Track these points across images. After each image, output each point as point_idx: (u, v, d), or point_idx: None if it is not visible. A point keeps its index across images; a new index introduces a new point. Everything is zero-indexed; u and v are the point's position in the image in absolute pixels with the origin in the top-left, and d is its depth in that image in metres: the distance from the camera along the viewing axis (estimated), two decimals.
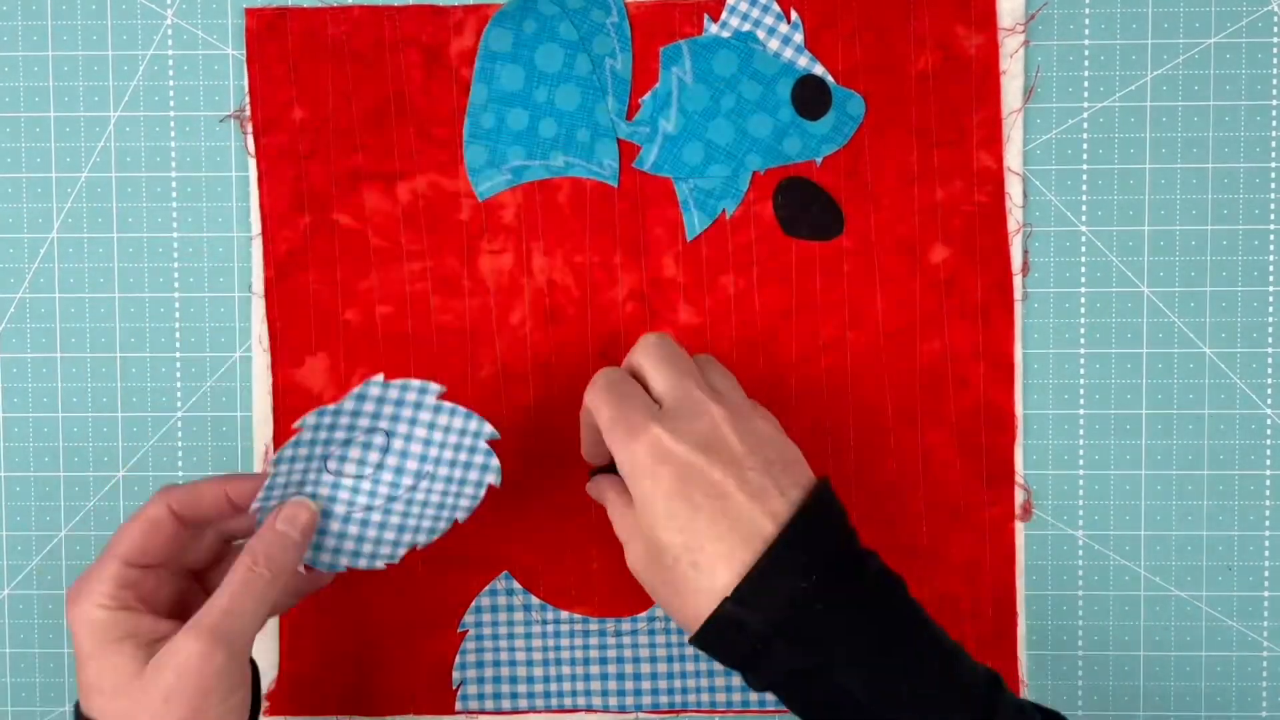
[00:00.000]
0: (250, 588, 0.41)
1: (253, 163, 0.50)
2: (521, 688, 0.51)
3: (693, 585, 0.39)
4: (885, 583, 0.40)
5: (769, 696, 0.50)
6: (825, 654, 0.38)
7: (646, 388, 0.43)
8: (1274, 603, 0.51)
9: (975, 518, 0.51)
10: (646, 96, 0.50)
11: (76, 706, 0.41)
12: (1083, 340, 0.51)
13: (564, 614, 0.51)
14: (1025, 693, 0.51)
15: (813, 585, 0.38)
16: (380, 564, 0.45)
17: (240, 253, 0.51)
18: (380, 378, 0.43)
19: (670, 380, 0.42)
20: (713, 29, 0.50)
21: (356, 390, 0.43)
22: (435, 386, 0.44)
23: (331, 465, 0.44)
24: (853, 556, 0.40)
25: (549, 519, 0.51)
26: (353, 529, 0.45)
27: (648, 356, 0.43)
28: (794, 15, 0.49)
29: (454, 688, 0.51)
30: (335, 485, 0.44)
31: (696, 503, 0.39)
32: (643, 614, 0.51)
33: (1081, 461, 0.51)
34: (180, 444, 0.51)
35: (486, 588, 0.51)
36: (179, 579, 0.44)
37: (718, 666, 0.51)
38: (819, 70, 0.50)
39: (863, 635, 0.38)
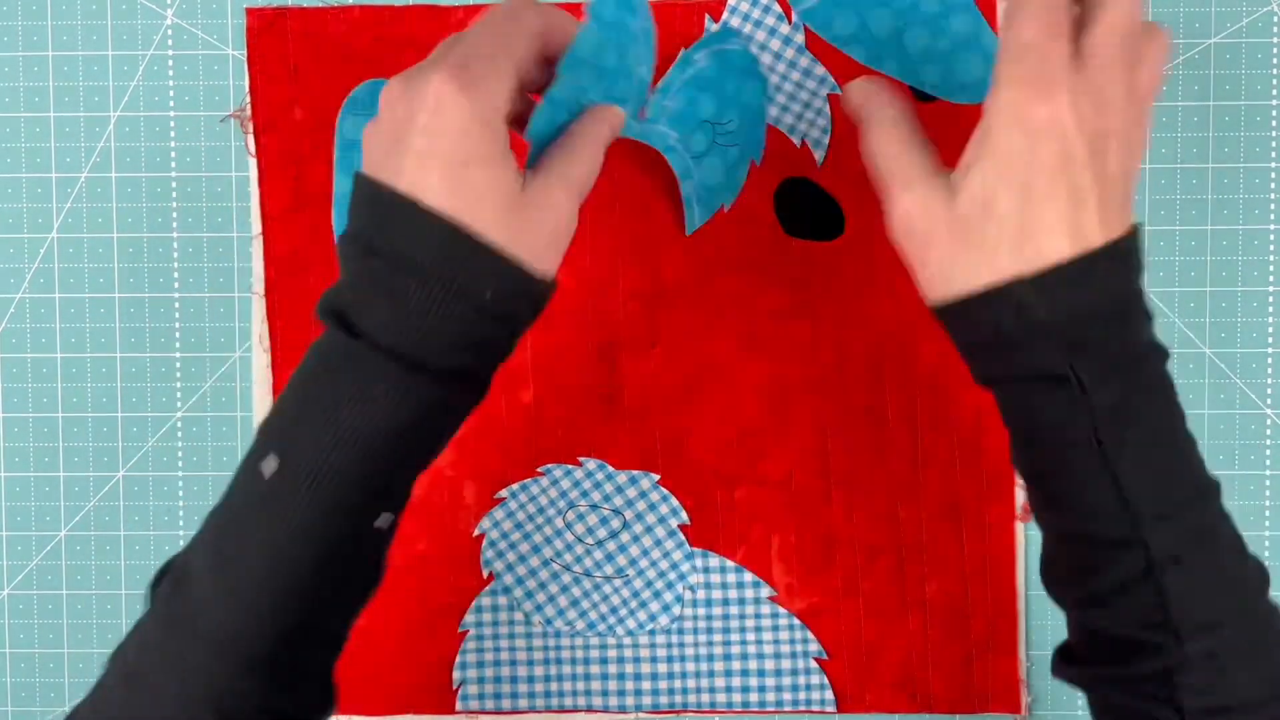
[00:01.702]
0: (597, 161, 0.38)
1: (253, 163, 0.50)
2: (522, 688, 0.51)
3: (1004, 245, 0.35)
4: (1163, 346, 0.37)
5: (769, 697, 0.50)
6: (1117, 374, 0.36)
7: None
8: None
9: (975, 518, 0.51)
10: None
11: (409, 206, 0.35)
12: None
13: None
14: (1025, 693, 0.51)
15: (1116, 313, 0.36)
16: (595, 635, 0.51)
17: (240, 253, 0.51)
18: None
19: (1125, 28, 0.36)
20: (713, 29, 0.50)
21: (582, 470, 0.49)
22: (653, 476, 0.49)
23: (570, 516, 0.49)
24: (1148, 310, 0.37)
25: None
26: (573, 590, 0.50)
27: None
28: (795, 15, 0.49)
29: (454, 688, 0.51)
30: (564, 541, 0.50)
31: (1056, 192, 0.35)
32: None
33: None
34: (180, 444, 0.51)
35: (487, 588, 0.51)
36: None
37: (718, 666, 0.51)
38: (821, 70, 0.49)
39: (1146, 373, 0.36)
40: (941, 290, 0.37)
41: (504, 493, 0.50)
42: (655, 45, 0.43)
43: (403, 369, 0.35)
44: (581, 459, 0.50)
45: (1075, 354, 0.35)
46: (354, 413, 0.35)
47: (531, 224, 0.36)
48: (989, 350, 0.37)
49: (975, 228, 0.36)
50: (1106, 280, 0.36)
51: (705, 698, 0.51)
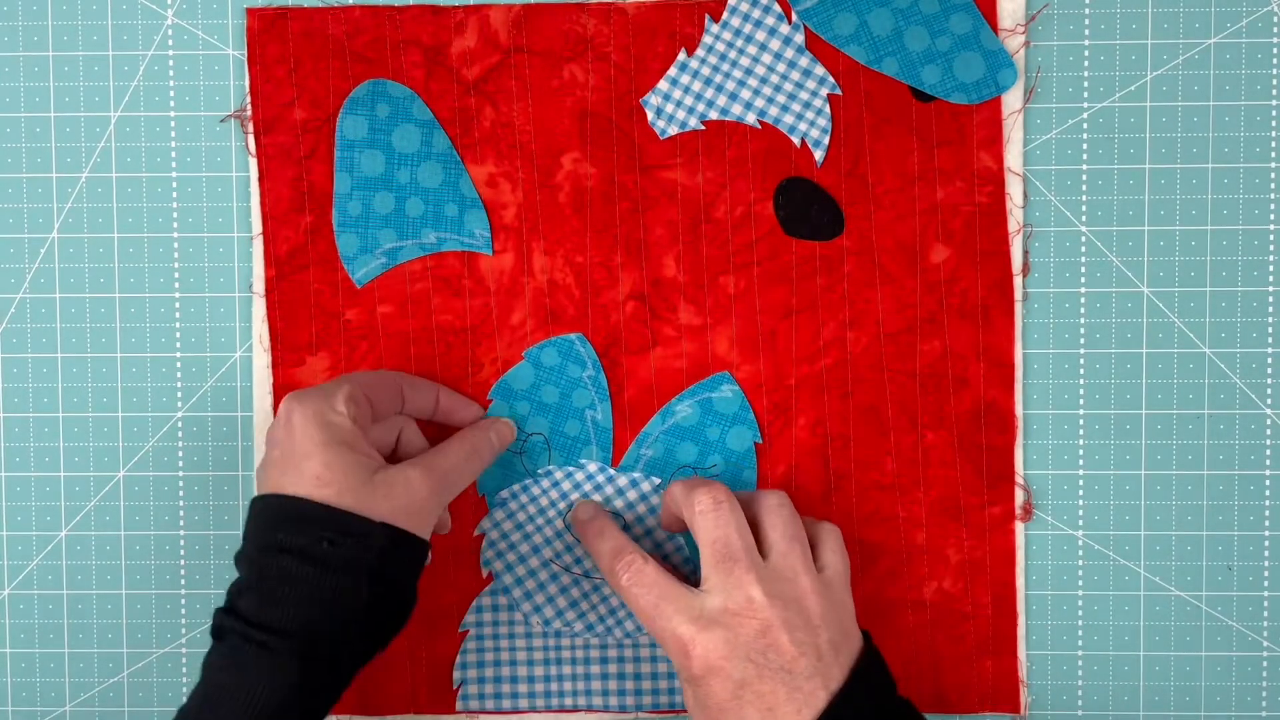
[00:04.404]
0: (472, 460, 0.46)
1: (253, 163, 0.50)
2: (522, 688, 0.51)
3: None
4: None
5: None
6: None
7: (760, 537, 0.45)
8: (1274, 603, 0.51)
9: (975, 518, 0.51)
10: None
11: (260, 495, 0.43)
12: (1083, 340, 0.51)
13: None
14: (1025, 693, 0.51)
15: None
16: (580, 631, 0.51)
17: (240, 253, 0.51)
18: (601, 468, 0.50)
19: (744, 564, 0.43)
20: (714, 29, 0.50)
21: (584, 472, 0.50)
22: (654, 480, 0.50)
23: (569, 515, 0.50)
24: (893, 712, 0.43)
25: None
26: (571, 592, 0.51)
27: (770, 512, 0.45)
28: (795, 16, 0.49)
29: (454, 688, 0.51)
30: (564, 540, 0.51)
31: (745, 715, 0.42)
32: None
33: (1081, 462, 0.51)
34: (180, 444, 0.51)
35: (487, 588, 0.51)
36: (378, 442, 0.46)
37: None
38: (819, 70, 0.50)
39: None
40: None
41: (504, 493, 0.50)
42: (609, 395, 0.50)
43: (263, 634, 0.40)
44: (582, 460, 0.50)
45: None
46: (228, 677, 0.41)
47: (378, 495, 0.42)
48: None
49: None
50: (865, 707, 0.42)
51: None
